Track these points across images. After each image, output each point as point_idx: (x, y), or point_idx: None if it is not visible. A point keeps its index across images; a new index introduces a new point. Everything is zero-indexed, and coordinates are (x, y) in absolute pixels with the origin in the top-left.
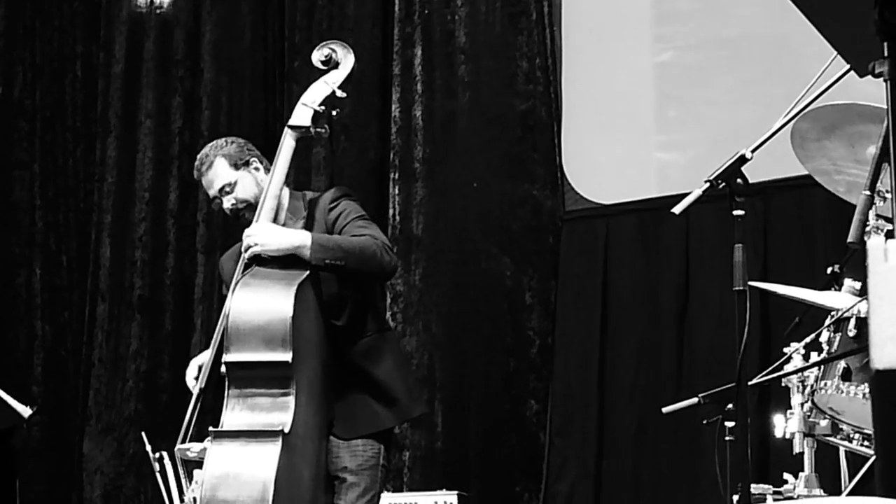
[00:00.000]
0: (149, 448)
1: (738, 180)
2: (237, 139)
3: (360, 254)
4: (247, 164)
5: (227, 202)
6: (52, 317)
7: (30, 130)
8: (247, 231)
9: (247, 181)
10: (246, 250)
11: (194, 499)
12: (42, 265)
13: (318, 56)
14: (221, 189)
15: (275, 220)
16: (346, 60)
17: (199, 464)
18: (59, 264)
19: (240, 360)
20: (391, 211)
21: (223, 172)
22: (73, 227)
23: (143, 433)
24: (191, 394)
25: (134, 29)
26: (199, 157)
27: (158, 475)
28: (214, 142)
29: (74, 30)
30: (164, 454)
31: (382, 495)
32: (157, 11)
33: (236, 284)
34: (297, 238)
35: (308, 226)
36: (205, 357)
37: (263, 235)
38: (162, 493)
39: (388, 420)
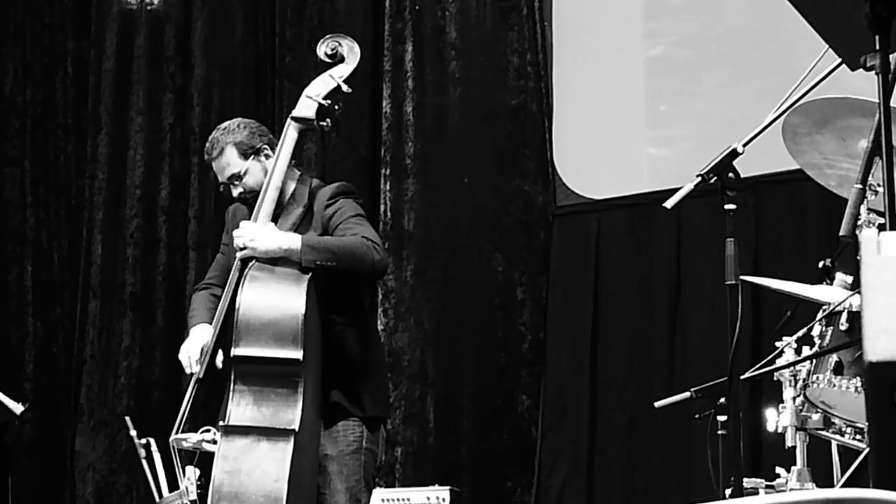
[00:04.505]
0: (133, 433)
1: (730, 174)
2: (250, 123)
3: (350, 254)
4: (257, 152)
5: (236, 191)
6: (44, 314)
7: (20, 127)
8: (238, 230)
9: (256, 170)
10: (238, 249)
11: (186, 489)
12: (33, 262)
13: (323, 49)
14: (231, 177)
15: (277, 205)
16: (353, 55)
17: (192, 458)
18: (51, 261)
19: (249, 355)
20: (382, 207)
21: (233, 161)
22: (65, 223)
23: (126, 417)
24: (183, 383)
25: (124, 25)
26: (210, 139)
27: (144, 461)
28: (227, 124)
29: (65, 26)
30: (151, 440)
31: (375, 490)
32: (148, 8)
33: (244, 279)
34: (287, 241)
35: (307, 216)
36: (202, 341)
37: (255, 237)
38: (148, 479)
39: (351, 410)
